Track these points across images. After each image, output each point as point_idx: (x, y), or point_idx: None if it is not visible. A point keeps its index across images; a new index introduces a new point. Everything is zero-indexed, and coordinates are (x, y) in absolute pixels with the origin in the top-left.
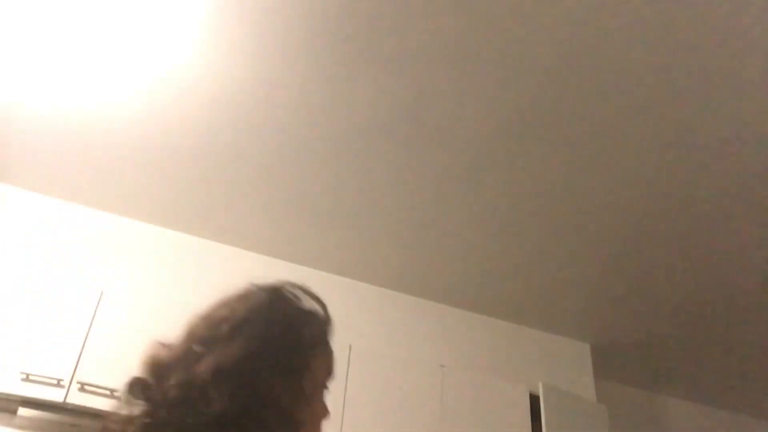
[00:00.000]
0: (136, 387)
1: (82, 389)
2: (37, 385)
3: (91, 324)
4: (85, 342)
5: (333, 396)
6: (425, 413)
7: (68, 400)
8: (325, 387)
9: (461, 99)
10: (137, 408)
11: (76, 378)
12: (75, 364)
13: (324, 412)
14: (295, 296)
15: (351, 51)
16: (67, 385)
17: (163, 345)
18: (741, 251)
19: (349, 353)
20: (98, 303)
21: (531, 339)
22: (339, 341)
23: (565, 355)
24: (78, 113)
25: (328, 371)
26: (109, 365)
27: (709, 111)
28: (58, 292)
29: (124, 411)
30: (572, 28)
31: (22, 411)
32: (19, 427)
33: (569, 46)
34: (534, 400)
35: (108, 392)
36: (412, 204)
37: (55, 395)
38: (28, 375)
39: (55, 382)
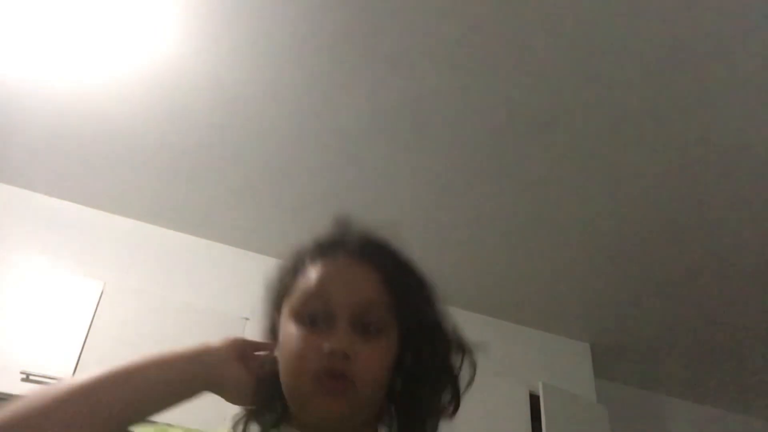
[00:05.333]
0: None
1: None
2: (37, 385)
3: (91, 324)
4: (85, 342)
5: None
6: None
7: None
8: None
9: (462, 100)
10: None
11: None
12: (75, 364)
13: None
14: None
15: (350, 51)
16: None
17: None
18: (741, 251)
19: None
20: (98, 303)
21: (531, 339)
22: None
23: (565, 355)
24: (78, 113)
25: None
26: (109, 365)
27: (712, 114)
28: (58, 293)
29: None
30: (574, 28)
31: None
32: None
33: (571, 46)
34: (534, 400)
35: None
36: (411, 203)
37: None
38: (28, 375)
39: (55, 382)
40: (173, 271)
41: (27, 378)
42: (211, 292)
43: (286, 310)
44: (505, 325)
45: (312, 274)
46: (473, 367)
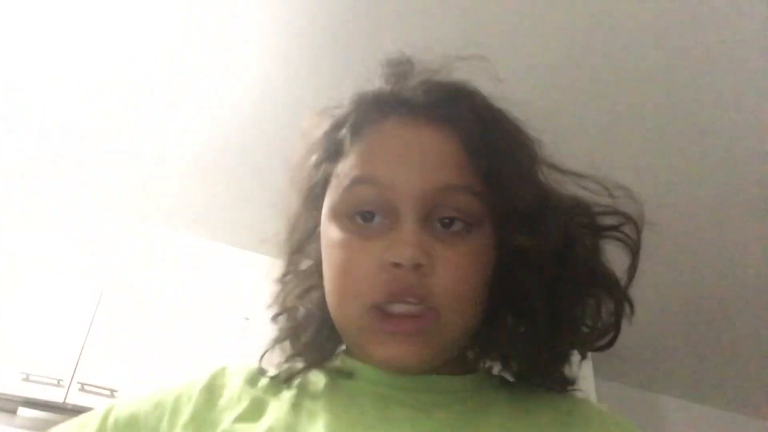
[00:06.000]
0: None
1: (82, 389)
2: (37, 385)
3: (91, 324)
4: (85, 342)
5: None
6: None
7: (68, 400)
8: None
9: None
10: None
11: (76, 378)
12: (75, 364)
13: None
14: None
15: (351, 50)
16: (67, 385)
17: None
18: (741, 251)
19: None
20: (98, 303)
21: None
22: None
23: None
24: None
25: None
26: (109, 365)
27: (712, 111)
28: (58, 293)
29: None
30: (574, 28)
31: (22, 411)
32: (19, 426)
33: (571, 46)
34: None
35: (108, 392)
36: None
37: (55, 395)
38: (28, 375)
39: (55, 382)
40: (173, 272)
41: (27, 378)
42: (210, 294)
43: (326, 211)
44: None
45: (357, 149)
46: (635, 257)
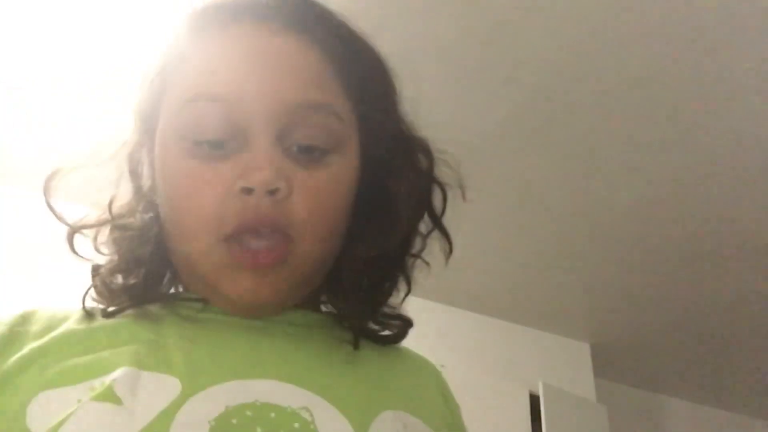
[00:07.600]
0: None
1: None
2: None
3: None
4: None
5: None
6: None
7: None
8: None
9: (463, 98)
10: None
11: None
12: None
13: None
14: None
15: None
16: None
17: None
18: (742, 251)
19: None
20: None
21: (531, 339)
22: None
23: (565, 355)
24: None
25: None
26: None
27: (714, 112)
28: None
29: None
30: (574, 28)
31: None
32: None
33: (570, 46)
34: (534, 400)
35: None
36: None
37: None
38: None
39: None
40: None
41: None
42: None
43: (162, 132)
44: (505, 325)
45: (195, 58)
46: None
